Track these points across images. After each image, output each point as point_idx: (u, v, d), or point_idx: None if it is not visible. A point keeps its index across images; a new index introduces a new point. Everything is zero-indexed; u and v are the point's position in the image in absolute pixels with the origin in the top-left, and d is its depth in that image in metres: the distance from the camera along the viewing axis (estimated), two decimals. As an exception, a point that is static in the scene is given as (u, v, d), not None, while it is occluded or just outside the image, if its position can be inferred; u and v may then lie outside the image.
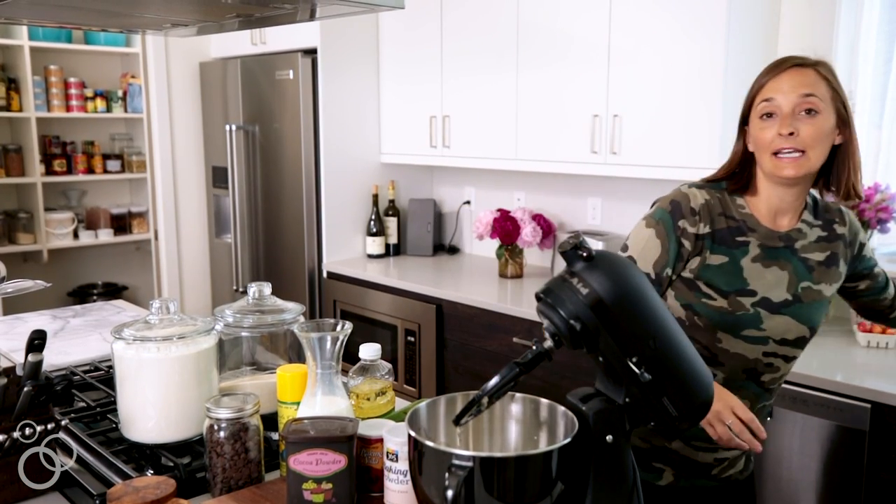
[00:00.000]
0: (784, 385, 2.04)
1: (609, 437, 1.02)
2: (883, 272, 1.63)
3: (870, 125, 2.56)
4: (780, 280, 1.44)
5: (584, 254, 1.01)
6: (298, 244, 3.65)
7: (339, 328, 1.24)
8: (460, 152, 3.34)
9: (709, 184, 1.51)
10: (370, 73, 3.64)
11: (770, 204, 1.46)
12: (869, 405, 1.91)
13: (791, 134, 1.36)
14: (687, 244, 1.44)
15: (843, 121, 1.41)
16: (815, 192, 1.50)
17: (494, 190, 3.64)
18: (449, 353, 3.05)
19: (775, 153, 1.38)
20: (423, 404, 1.11)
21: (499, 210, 3.30)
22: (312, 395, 1.24)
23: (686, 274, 1.45)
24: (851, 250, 1.52)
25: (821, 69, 1.41)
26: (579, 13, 2.80)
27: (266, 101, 3.70)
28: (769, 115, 1.40)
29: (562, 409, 1.06)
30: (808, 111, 1.37)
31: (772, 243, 1.45)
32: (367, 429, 1.22)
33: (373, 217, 3.68)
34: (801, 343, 1.48)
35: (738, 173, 1.49)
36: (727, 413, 1.32)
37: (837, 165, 1.44)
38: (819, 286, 1.47)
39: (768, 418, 1.60)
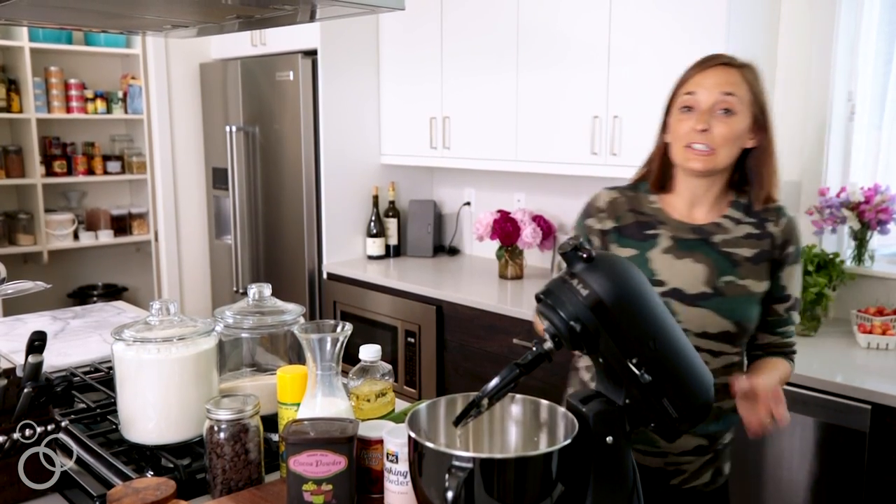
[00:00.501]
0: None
1: (609, 439, 1.02)
2: (792, 326, 1.53)
3: (869, 126, 2.56)
4: (695, 272, 1.44)
5: (584, 255, 1.01)
6: (298, 245, 3.65)
7: (339, 329, 1.24)
8: (460, 153, 3.34)
9: (628, 186, 1.57)
10: (370, 75, 3.64)
11: (685, 196, 1.50)
12: (869, 406, 1.91)
13: (704, 130, 1.40)
14: (595, 241, 1.53)
15: (760, 125, 1.44)
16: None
17: (494, 191, 3.64)
18: (449, 354, 3.05)
19: (687, 145, 1.43)
20: (423, 405, 1.11)
21: (499, 211, 3.30)
22: (312, 396, 1.24)
23: None
24: (778, 252, 1.48)
25: (746, 72, 1.44)
26: (579, 14, 2.80)
27: (266, 103, 3.70)
28: (688, 108, 1.43)
29: (562, 410, 1.06)
30: (726, 110, 1.40)
31: (684, 235, 1.47)
32: (367, 430, 1.22)
33: (373, 218, 3.68)
34: (727, 338, 1.45)
35: (659, 169, 1.53)
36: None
37: (751, 168, 1.48)
38: (745, 281, 1.45)
39: (730, 427, 1.56)
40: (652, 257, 1.47)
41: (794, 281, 1.50)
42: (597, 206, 1.54)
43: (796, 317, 1.53)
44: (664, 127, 1.52)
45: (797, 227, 1.52)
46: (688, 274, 1.44)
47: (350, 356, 1.29)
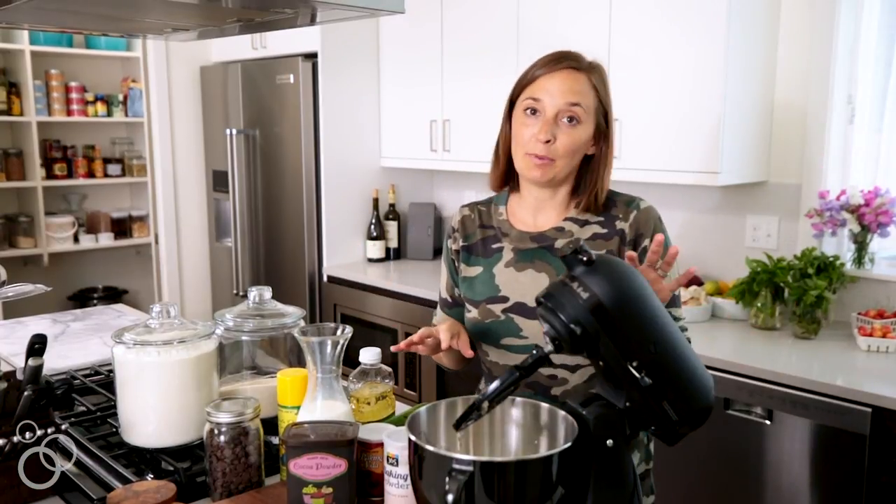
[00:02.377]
0: (784, 389, 2.04)
1: (609, 442, 1.02)
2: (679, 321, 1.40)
3: (869, 129, 2.56)
4: (537, 283, 1.38)
5: (585, 258, 1.01)
6: (299, 248, 3.65)
7: (339, 332, 1.24)
8: (460, 156, 3.34)
9: (485, 199, 1.54)
10: (370, 78, 3.64)
11: (529, 203, 1.45)
12: (869, 409, 1.91)
13: (548, 142, 1.35)
14: (454, 261, 1.52)
15: (601, 133, 1.40)
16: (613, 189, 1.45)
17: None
18: (449, 357, 3.05)
19: (528, 153, 1.37)
20: (423, 409, 1.11)
21: (499, 214, 3.29)
22: (313, 399, 1.24)
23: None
24: (631, 248, 1.39)
25: (594, 76, 1.38)
26: (579, 18, 2.81)
27: (266, 106, 3.70)
28: (533, 111, 1.37)
29: (562, 413, 1.06)
30: (570, 118, 1.35)
31: (524, 245, 1.43)
32: (367, 433, 1.22)
33: (373, 221, 3.68)
34: None
35: (502, 168, 1.46)
36: None
37: (585, 175, 1.42)
38: None
39: (641, 450, 1.44)
40: (496, 272, 1.43)
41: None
42: (452, 225, 1.54)
43: (679, 313, 1.41)
44: (508, 119, 1.45)
45: (653, 216, 1.41)
46: (530, 286, 1.38)
47: (350, 359, 1.29)
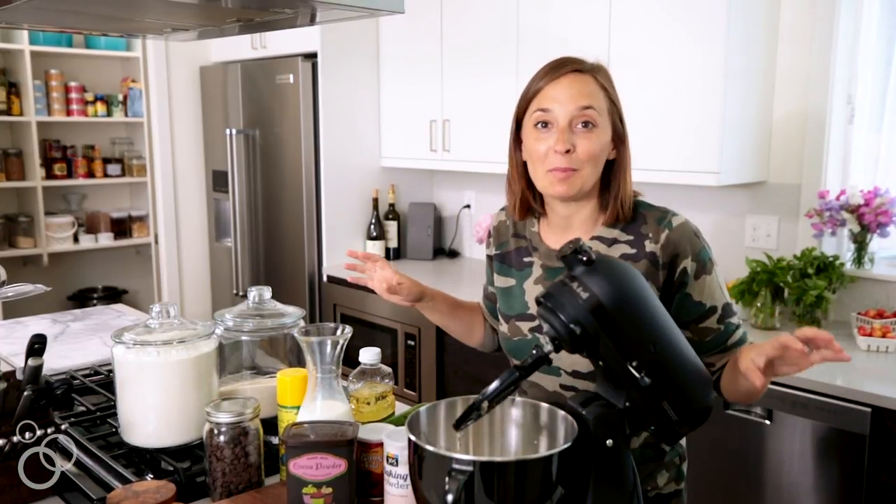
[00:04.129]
0: (784, 389, 2.04)
1: (609, 442, 1.02)
2: (736, 333, 1.33)
3: (869, 129, 2.56)
4: None
5: (585, 258, 1.01)
6: (298, 248, 3.65)
7: (339, 332, 1.24)
8: (460, 156, 3.34)
9: None
10: (370, 78, 3.64)
11: (555, 222, 1.38)
12: (869, 409, 1.91)
13: (567, 151, 1.27)
14: (489, 266, 1.51)
15: (619, 135, 1.32)
16: (646, 201, 1.37)
17: (494, 194, 3.64)
18: (449, 356, 3.05)
19: (550, 169, 1.29)
20: (423, 408, 1.11)
21: (499, 214, 3.30)
22: (312, 399, 1.24)
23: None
24: (665, 273, 1.29)
25: (599, 76, 1.31)
26: (579, 17, 2.81)
27: (266, 106, 3.70)
28: (545, 124, 1.29)
29: (562, 413, 1.06)
30: (585, 124, 1.27)
31: (552, 263, 1.36)
32: (367, 433, 1.22)
33: (373, 221, 3.68)
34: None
35: (522, 193, 1.38)
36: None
37: (610, 183, 1.34)
38: None
39: (671, 470, 1.39)
40: (526, 288, 1.38)
41: (710, 291, 1.31)
42: (489, 228, 1.51)
43: (735, 320, 1.34)
44: (517, 142, 1.37)
45: (687, 233, 1.30)
46: None
47: (350, 359, 1.29)
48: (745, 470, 2.15)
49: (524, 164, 1.37)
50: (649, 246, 1.30)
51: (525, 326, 1.38)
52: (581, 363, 1.29)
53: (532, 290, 1.38)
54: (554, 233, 1.39)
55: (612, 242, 1.33)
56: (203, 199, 4.20)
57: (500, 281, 1.45)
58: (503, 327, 1.43)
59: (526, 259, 1.41)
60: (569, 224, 1.37)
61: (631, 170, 1.35)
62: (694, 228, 1.32)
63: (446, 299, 1.57)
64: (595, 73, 1.31)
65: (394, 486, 1.15)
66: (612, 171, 1.34)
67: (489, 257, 1.50)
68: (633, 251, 1.31)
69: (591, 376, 1.30)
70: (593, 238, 1.34)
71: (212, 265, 4.25)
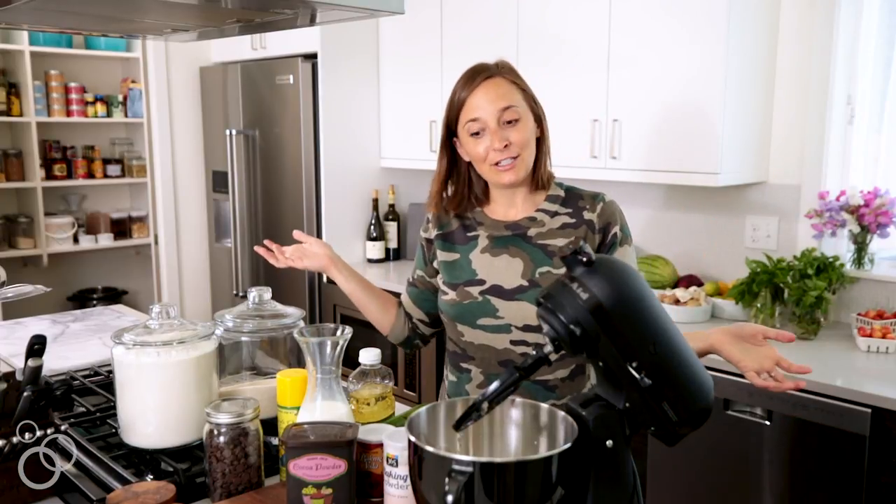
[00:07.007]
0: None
1: (609, 443, 1.02)
2: None
3: (869, 130, 2.56)
4: (512, 267, 1.50)
5: (584, 259, 1.01)
6: (298, 249, 3.64)
7: (339, 333, 1.24)
8: (460, 157, 3.34)
9: None
10: (370, 78, 3.64)
11: (501, 203, 1.56)
12: (869, 410, 1.91)
13: (506, 146, 1.46)
14: (426, 250, 1.64)
15: (537, 116, 1.52)
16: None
17: (494, 194, 3.64)
18: (449, 357, 3.05)
19: (494, 164, 1.48)
20: (423, 409, 1.11)
21: (499, 214, 3.29)
22: (312, 399, 1.24)
23: (434, 277, 1.62)
24: (600, 237, 1.51)
25: (508, 75, 1.51)
26: (579, 18, 2.81)
27: (266, 106, 3.70)
28: (478, 132, 1.48)
29: (562, 413, 1.06)
30: (510, 121, 1.47)
31: (499, 233, 1.54)
32: (366, 434, 1.22)
33: (373, 221, 3.68)
34: None
35: (469, 187, 1.58)
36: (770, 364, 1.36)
37: (537, 158, 1.54)
38: (560, 270, 1.46)
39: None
40: (472, 258, 1.54)
41: (630, 261, 1.52)
42: (427, 217, 1.66)
43: None
44: (445, 149, 1.57)
45: (617, 210, 1.54)
46: (505, 269, 1.50)
47: (350, 360, 1.29)
48: (744, 470, 2.15)
49: (448, 166, 1.58)
50: (587, 215, 1.52)
51: (475, 290, 1.52)
52: (531, 316, 1.43)
53: (479, 258, 1.54)
54: (501, 210, 1.57)
55: (553, 214, 1.53)
56: (203, 199, 4.20)
57: (444, 256, 1.59)
58: (449, 295, 1.55)
59: (470, 234, 1.58)
60: (512, 202, 1.55)
61: (548, 143, 1.57)
62: (620, 209, 1.56)
63: (361, 277, 1.69)
64: (503, 73, 1.51)
65: (394, 487, 1.15)
66: (538, 145, 1.54)
67: (428, 240, 1.63)
68: (573, 220, 1.52)
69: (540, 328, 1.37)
70: (538, 210, 1.53)
71: (212, 266, 4.25)
